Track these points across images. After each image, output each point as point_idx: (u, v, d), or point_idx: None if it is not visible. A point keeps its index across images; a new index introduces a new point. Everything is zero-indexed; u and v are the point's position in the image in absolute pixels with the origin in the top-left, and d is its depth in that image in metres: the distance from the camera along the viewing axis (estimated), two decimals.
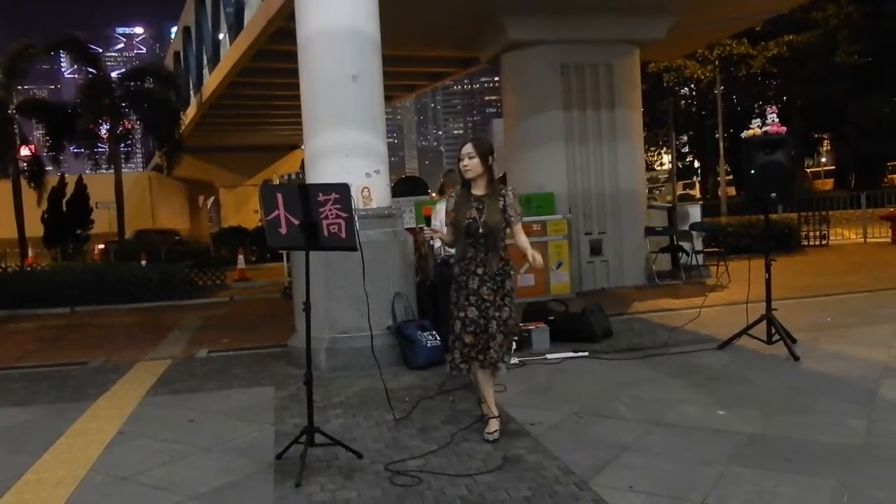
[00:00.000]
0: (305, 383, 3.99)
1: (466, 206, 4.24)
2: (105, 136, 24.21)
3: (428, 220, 4.30)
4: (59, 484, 3.87)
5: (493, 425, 4.26)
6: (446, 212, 4.36)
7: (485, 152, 4.26)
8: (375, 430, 4.57)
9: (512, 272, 4.37)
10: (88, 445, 4.50)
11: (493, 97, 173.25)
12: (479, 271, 4.23)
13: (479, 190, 4.29)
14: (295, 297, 6.91)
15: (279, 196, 3.96)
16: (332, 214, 3.83)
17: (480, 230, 4.21)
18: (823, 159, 50.42)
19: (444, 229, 4.37)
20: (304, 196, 3.86)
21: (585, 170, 11.12)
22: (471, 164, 4.25)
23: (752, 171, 5.95)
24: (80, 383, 6.41)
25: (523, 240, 4.33)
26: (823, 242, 15.89)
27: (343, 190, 3.82)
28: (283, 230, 3.97)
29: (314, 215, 3.86)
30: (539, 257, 4.19)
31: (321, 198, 3.82)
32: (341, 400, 5.32)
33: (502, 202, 4.25)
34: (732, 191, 37.37)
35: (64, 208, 25.56)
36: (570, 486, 3.51)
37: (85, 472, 4.03)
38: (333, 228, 3.85)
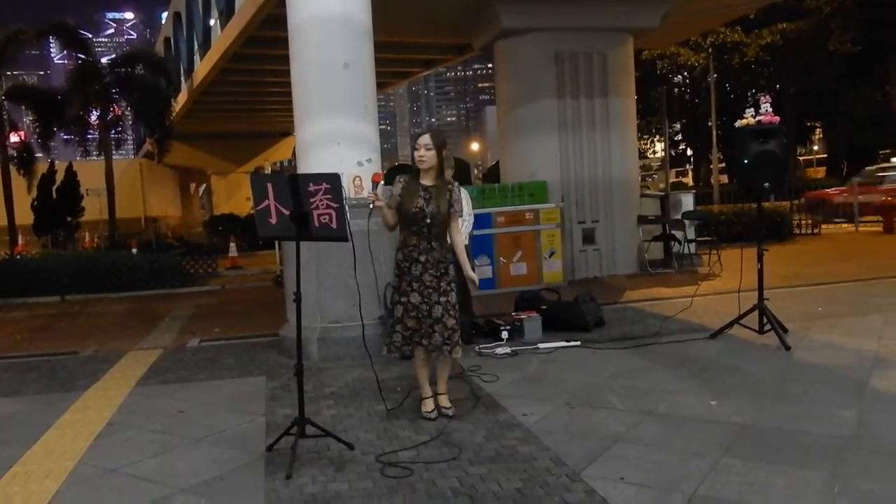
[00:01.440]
0: (296, 375, 3.96)
1: (415, 194, 4.32)
2: (95, 123, 23.98)
3: (375, 186, 4.34)
4: (47, 476, 3.84)
5: (430, 405, 4.51)
6: (391, 196, 4.37)
7: (440, 145, 4.37)
8: (367, 420, 4.55)
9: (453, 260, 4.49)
10: (77, 437, 4.48)
11: (487, 84, 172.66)
12: (422, 259, 4.32)
13: (428, 180, 4.38)
14: (286, 287, 6.88)
15: (269, 186, 3.92)
16: (322, 205, 3.79)
17: (428, 220, 4.30)
18: (816, 147, 50.50)
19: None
20: (295, 186, 3.82)
21: (578, 158, 11.09)
22: (427, 155, 4.33)
23: (745, 161, 5.94)
24: (69, 373, 6.37)
25: (459, 240, 4.52)
26: (815, 231, 15.94)
27: (334, 180, 3.79)
28: (274, 220, 3.93)
29: (304, 205, 3.82)
30: (475, 276, 4.51)
31: (312, 188, 3.79)
32: (332, 390, 5.30)
33: (449, 195, 4.36)
34: (725, 178, 37.40)
35: (54, 196, 25.38)
36: (561, 477, 3.50)
37: (74, 464, 4.01)
38: (324, 219, 3.82)
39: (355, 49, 6.45)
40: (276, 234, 4.27)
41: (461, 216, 4.52)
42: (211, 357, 6.76)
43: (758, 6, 17.65)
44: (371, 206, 4.30)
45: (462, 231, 4.86)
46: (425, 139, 4.36)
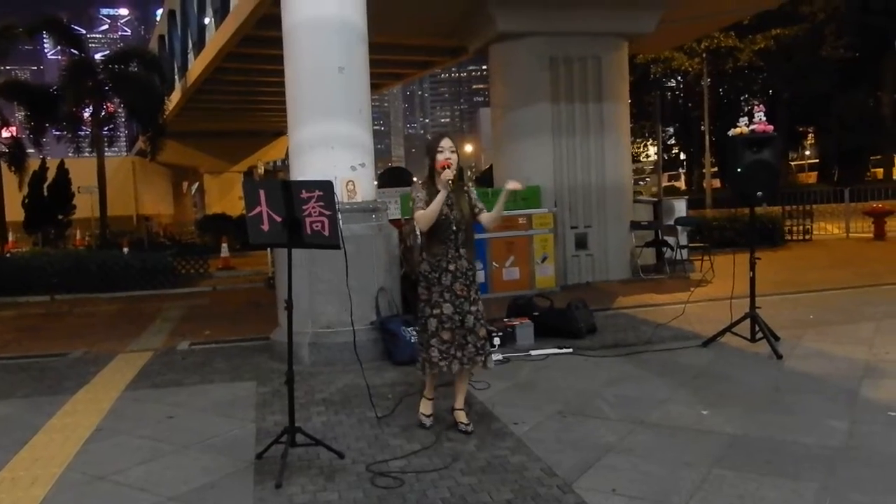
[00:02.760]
0: (287, 383, 3.93)
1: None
2: (88, 120, 23.81)
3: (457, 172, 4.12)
4: (34, 483, 3.80)
5: (430, 408, 4.45)
6: (423, 199, 4.20)
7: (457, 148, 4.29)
8: (357, 428, 4.53)
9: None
10: (66, 442, 4.44)
11: (481, 85, 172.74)
12: (451, 267, 4.21)
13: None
14: (278, 292, 6.85)
15: (262, 192, 3.89)
16: (315, 212, 3.77)
17: (454, 227, 4.20)
18: (808, 152, 50.70)
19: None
20: (287, 193, 3.80)
21: (572, 163, 11.08)
22: (453, 158, 4.20)
23: (739, 170, 5.94)
24: (58, 376, 6.33)
25: (488, 216, 4.33)
26: (807, 237, 15.98)
27: (327, 187, 3.76)
28: (266, 227, 3.90)
29: (297, 212, 3.80)
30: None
31: (304, 195, 3.76)
32: (324, 396, 5.27)
33: (467, 197, 4.26)
34: (717, 183, 37.52)
35: (45, 193, 25.21)
36: (553, 488, 3.49)
37: (61, 470, 3.97)
38: (316, 226, 3.79)
39: (350, 53, 6.42)
40: (268, 241, 4.24)
41: (485, 211, 4.34)
42: (201, 360, 6.72)
43: (752, 12, 17.70)
44: (450, 183, 4.07)
45: None
46: (449, 142, 4.21)
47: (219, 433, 4.53)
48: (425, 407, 4.46)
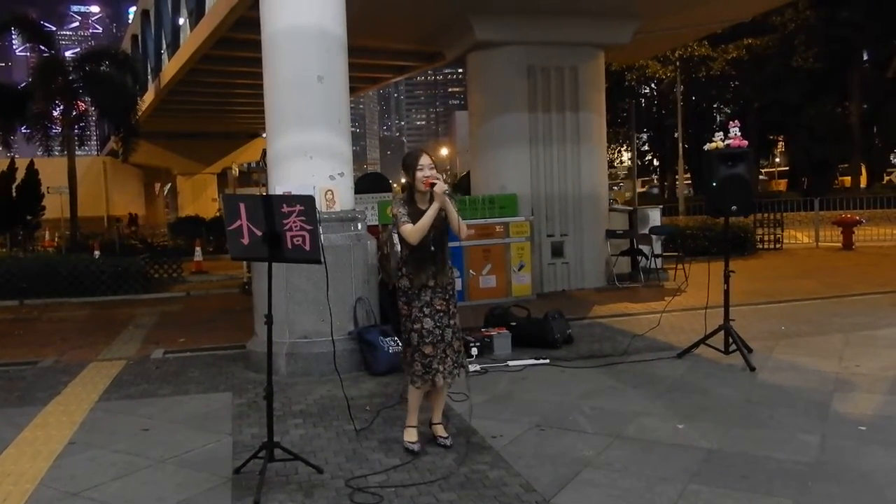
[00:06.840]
0: (265, 398, 3.91)
1: (419, 220, 4.11)
2: (58, 119, 23.44)
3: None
4: (5, 499, 3.73)
5: (415, 435, 4.29)
6: (401, 222, 4.15)
7: None
8: (336, 441, 4.51)
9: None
10: (37, 456, 4.36)
11: (457, 89, 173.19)
12: (431, 283, 4.20)
13: (423, 204, 4.18)
14: (255, 302, 6.79)
15: (242, 206, 3.86)
16: (296, 226, 3.75)
17: (432, 248, 4.18)
18: (778, 160, 51.54)
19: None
20: (268, 207, 3.77)
21: (549, 172, 11.16)
22: (434, 174, 4.15)
23: (714, 183, 6.03)
24: (28, 385, 6.21)
25: (455, 227, 4.22)
26: (777, 246, 16.21)
27: (308, 202, 3.75)
28: (246, 241, 3.87)
29: (277, 227, 3.78)
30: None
31: (285, 209, 3.74)
32: (301, 408, 5.24)
33: (443, 213, 4.17)
34: (690, 185, 37.99)
35: (14, 193, 24.77)
36: None
37: (33, 486, 3.90)
38: (297, 241, 3.78)
39: (330, 62, 6.41)
40: (248, 255, 4.21)
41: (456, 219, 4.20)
42: (176, 370, 6.64)
43: (726, 25, 17.93)
44: (446, 194, 4.00)
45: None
46: (428, 159, 4.16)
47: (195, 447, 4.49)
48: (410, 435, 4.28)
